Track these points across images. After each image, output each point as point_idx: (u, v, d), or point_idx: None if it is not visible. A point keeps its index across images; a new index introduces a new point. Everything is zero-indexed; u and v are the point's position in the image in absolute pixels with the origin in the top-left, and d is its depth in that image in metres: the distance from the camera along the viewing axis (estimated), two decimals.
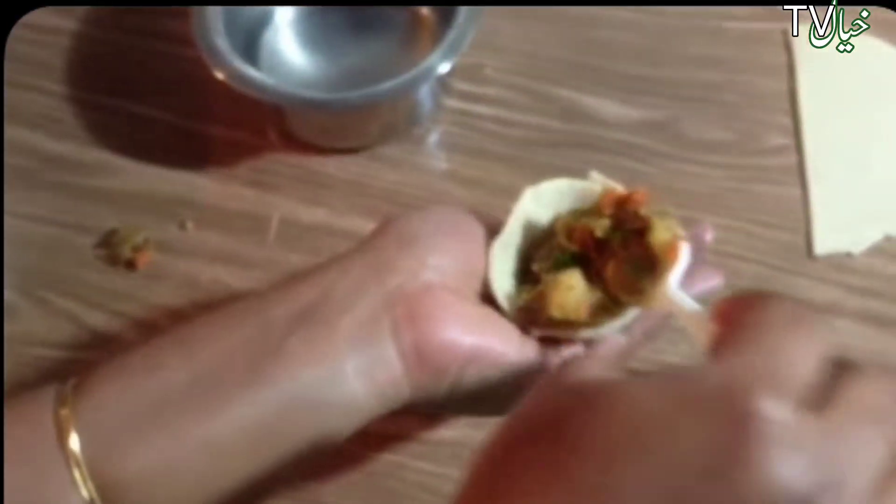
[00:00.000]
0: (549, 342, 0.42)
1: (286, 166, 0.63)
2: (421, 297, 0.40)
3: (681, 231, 0.41)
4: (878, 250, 0.58)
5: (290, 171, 0.62)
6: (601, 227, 0.42)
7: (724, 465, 0.25)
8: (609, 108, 0.64)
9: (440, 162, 0.64)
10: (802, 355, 0.28)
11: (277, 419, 0.38)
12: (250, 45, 0.65)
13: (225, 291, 0.58)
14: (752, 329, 0.28)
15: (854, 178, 0.61)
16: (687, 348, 0.51)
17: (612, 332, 0.41)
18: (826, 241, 0.58)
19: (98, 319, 0.58)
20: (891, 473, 0.26)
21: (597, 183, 0.44)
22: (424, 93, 0.63)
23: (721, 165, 0.62)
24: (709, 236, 0.45)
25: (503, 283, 0.43)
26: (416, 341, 0.39)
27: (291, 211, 0.61)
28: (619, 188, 0.43)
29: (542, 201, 0.45)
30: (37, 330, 0.57)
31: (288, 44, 0.66)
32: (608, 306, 0.42)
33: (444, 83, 0.64)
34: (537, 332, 0.42)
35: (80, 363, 0.56)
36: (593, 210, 0.43)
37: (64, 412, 0.37)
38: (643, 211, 0.41)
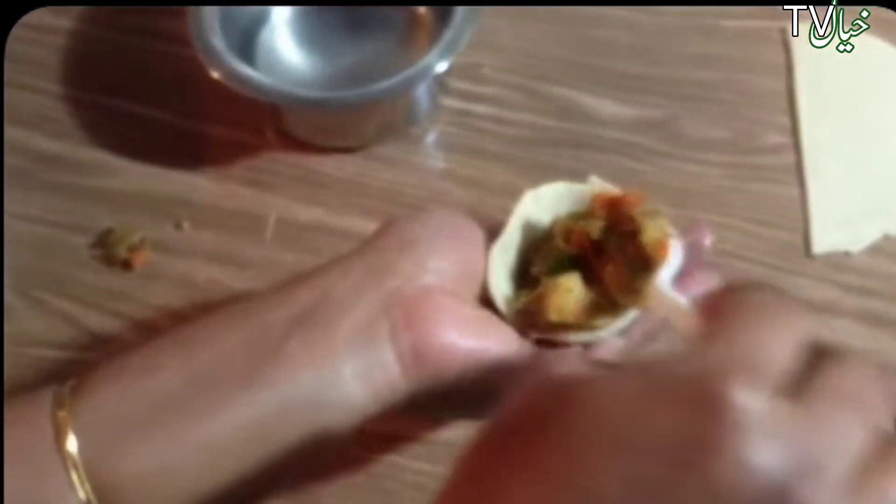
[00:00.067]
0: (547, 345, 0.42)
1: (283, 166, 0.63)
2: (419, 300, 0.40)
3: (671, 230, 0.41)
4: (876, 249, 0.58)
5: (288, 171, 0.62)
6: (597, 229, 0.42)
7: (696, 455, 0.25)
8: (607, 106, 0.64)
9: (438, 161, 0.63)
10: (778, 343, 0.27)
11: (276, 421, 0.38)
12: (247, 44, 0.64)
13: (222, 291, 0.58)
14: (727, 318, 0.28)
15: (852, 177, 0.61)
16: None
17: (611, 335, 0.41)
18: (824, 240, 0.58)
19: (94, 319, 0.57)
20: (871, 459, 0.26)
21: (595, 186, 0.44)
22: (422, 92, 0.63)
23: (719, 164, 0.62)
24: (707, 240, 0.45)
25: (502, 286, 0.43)
26: (413, 344, 0.39)
27: (288, 210, 0.61)
28: (617, 191, 0.43)
29: (542, 205, 0.45)
30: (32, 330, 0.57)
31: (285, 43, 0.66)
32: (606, 309, 0.42)
33: (441, 82, 0.64)
34: (536, 335, 0.42)
35: (76, 363, 0.56)
36: (590, 213, 0.43)
37: (62, 414, 0.37)
38: (634, 211, 0.41)
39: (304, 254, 0.59)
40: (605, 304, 0.42)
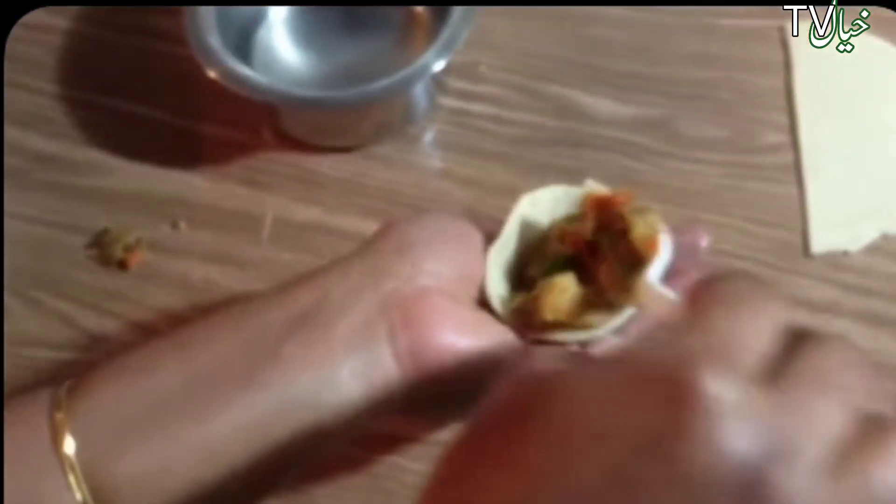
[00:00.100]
0: (544, 345, 0.42)
1: (280, 165, 0.62)
2: (417, 301, 0.40)
3: (660, 225, 0.41)
4: (874, 248, 0.58)
5: (285, 170, 0.62)
6: (590, 230, 0.43)
7: (669, 443, 0.25)
8: (604, 105, 0.64)
9: (435, 161, 0.63)
10: (754, 330, 0.27)
11: (274, 422, 0.38)
12: (244, 42, 0.64)
13: (218, 291, 0.58)
14: (702, 308, 0.28)
15: (851, 176, 0.60)
16: None
17: (607, 334, 0.42)
18: (822, 239, 0.58)
19: (90, 320, 0.57)
20: (851, 442, 0.25)
21: (591, 189, 0.44)
22: (419, 91, 0.62)
23: (717, 163, 0.61)
24: (704, 241, 0.45)
25: (499, 287, 0.44)
26: (411, 344, 0.39)
27: (285, 210, 0.61)
28: (608, 191, 0.44)
29: (538, 207, 0.45)
30: (28, 330, 0.57)
31: (282, 42, 0.66)
32: (602, 308, 0.42)
33: (439, 81, 0.64)
34: (532, 336, 0.42)
35: (72, 363, 0.56)
36: (584, 214, 0.44)
37: (59, 416, 0.37)
38: (624, 210, 0.42)
39: (301, 254, 0.59)
40: (600, 303, 0.42)
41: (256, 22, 0.66)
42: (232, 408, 0.38)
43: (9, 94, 0.65)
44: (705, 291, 0.29)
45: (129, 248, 0.59)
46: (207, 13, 0.60)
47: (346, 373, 0.38)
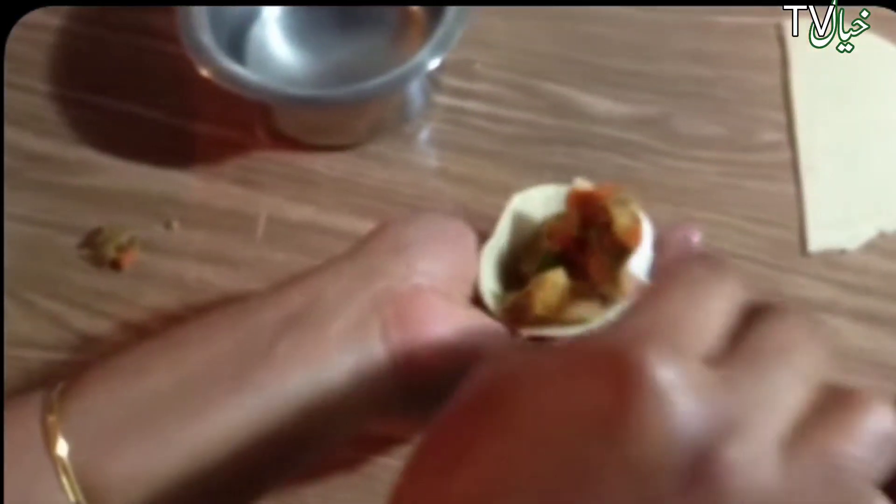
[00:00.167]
0: (537, 341, 0.42)
1: (274, 164, 0.62)
2: (410, 299, 0.40)
3: (640, 215, 0.42)
4: (872, 247, 0.58)
5: (278, 169, 0.62)
6: (575, 225, 0.43)
7: (616, 428, 0.24)
8: (600, 103, 0.64)
9: (431, 159, 0.63)
10: (705, 311, 0.27)
11: (267, 423, 0.38)
12: (237, 40, 0.64)
13: (212, 291, 0.58)
14: (658, 291, 0.28)
15: (848, 174, 0.60)
16: None
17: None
18: (820, 237, 0.58)
19: (82, 320, 0.57)
20: (808, 415, 0.25)
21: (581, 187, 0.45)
22: (414, 89, 0.62)
23: (713, 161, 0.61)
24: (696, 238, 0.45)
25: (492, 285, 0.44)
26: (404, 341, 0.39)
27: (279, 209, 0.60)
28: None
29: (530, 206, 0.46)
30: (20, 331, 0.57)
31: (276, 39, 0.65)
32: (595, 302, 0.42)
33: (434, 80, 0.63)
34: (525, 332, 0.42)
35: (65, 364, 0.55)
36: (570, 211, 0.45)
37: (51, 418, 0.37)
38: (606, 203, 0.42)
39: (295, 253, 0.58)
40: (593, 297, 0.42)
41: (250, 20, 0.65)
42: (225, 408, 0.37)
43: None
44: (663, 275, 0.28)
45: (121, 248, 0.58)
46: (200, 11, 0.60)
47: (339, 371, 0.38)
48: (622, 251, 0.41)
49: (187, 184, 0.61)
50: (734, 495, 0.24)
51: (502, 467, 0.26)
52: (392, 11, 0.66)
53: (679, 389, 0.24)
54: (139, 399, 0.38)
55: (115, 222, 0.60)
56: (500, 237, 0.45)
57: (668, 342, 0.25)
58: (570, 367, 0.26)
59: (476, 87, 0.64)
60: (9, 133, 0.63)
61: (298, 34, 0.66)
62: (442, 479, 0.27)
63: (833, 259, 0.58)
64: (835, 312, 0.56)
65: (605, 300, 0.42)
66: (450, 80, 0.64)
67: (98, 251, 0.59)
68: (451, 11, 0.59)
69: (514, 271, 0.45)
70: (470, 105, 0.64)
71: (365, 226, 0.44)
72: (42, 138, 0.63)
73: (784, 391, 0.25)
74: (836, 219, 0.59)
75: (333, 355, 0.38)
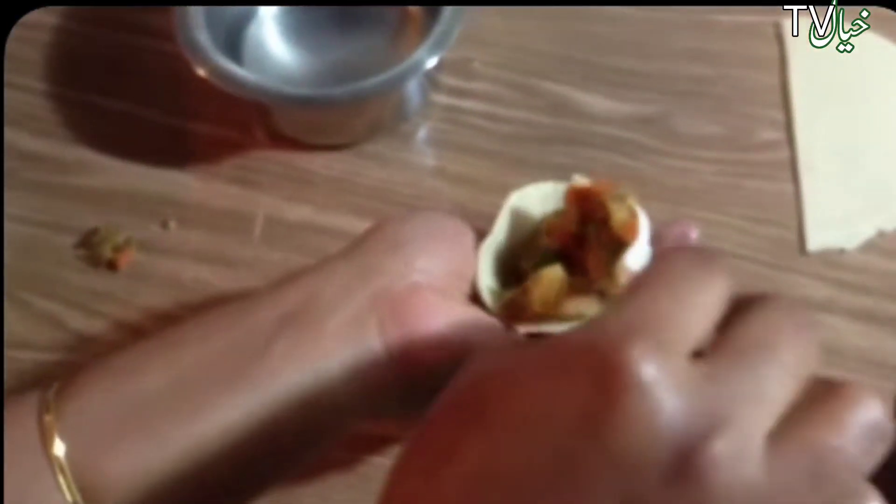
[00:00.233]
0: (535, 338, 0.42)
1: (271, 164, 0.62)
2: (407, 297, 0.40)
3: (637, 210, 0.42)
4: (871, 246, 0.58)
5: (276, 169, 0.62)
6: (573, 221, 0.43)
7: (599, 424, 0.24)
8: (598, 102, 0.63)
9: (428, 158, 0.63)
10: (691, 304, 0.26)
11: (264, 422, 0.38)
12: (234, 39, 0.64)
13: (209, 291, 0.57)
14: (643, 286, 0.27)
15: (847, 173, 0.60)
16: None
17: None
18: (819, 237, 0.58)
19: (79, 321, 0.57)
20: (794, 408, 0.25)
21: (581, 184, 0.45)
22: (412, 88, 0.62)
23: (712, 160, 0.61)
24: (693, 234, 0.45)
25: (490, 283, 0.44)
26: (402, 338, 0.39)
27: (277, 209, 0.60)
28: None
29: (528, 203, 0.46)
30: (16, 331, 0.56)
31: (273, 38, 0.65)
32: (592, 299, 0.42)
33: (431, 78, 0.63)
34: (523, 329, 0.42)
35: (61, 365, 0.55)
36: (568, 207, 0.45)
37: (48, 418, 0.37)
38: (604, 198, 0.42)
39: (292, 253, 0.58)
40: (591, 293, 0.42)
41: (247, 19, 0.65)
42: (222, 407, 0.37)
43: None
44: (648, 269, 0.28)
45: (118, 248, 0.58)
46: (197, 10, 0.59)
47: (337, 368, 0.38)
48: (619, 246, 0.41)
49: (184, 184, 0.61)
50: (719, 490, 0.23)
51: (487, 465, 0.26)
52: (390, 10, 0.65)
53: (663, 385, 0.24)
54: (136, 398, 0.38)
55: (112, 222, 0.59)
56: (498, 234, 0.45)
57: (652, 338, 0.25)
58: (555, 363, 0.26)
59: (474, 86, 0.64)
60: (4, 132, 0.63)
61: (296, 33, 0.65)
62: (429, 478, 0.27)
63: (832, 258, 0.58)
64: (833, 311, 0.56)
65: (604, 296, 0.42)
66: (448, 80, 0.64)
67: (94, 251, 0.58)
68: (449, 9, 0.59)
69: (513, 268, 0.45)
70: (468, 104, 0.64)
71: (363, 225, 0.44)
72: (38, 138, 0.63)
73: (770, 385, 0.25)
74: (835, 218, 0.59)
75: (331, 352, 0.38)
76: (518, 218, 0.46)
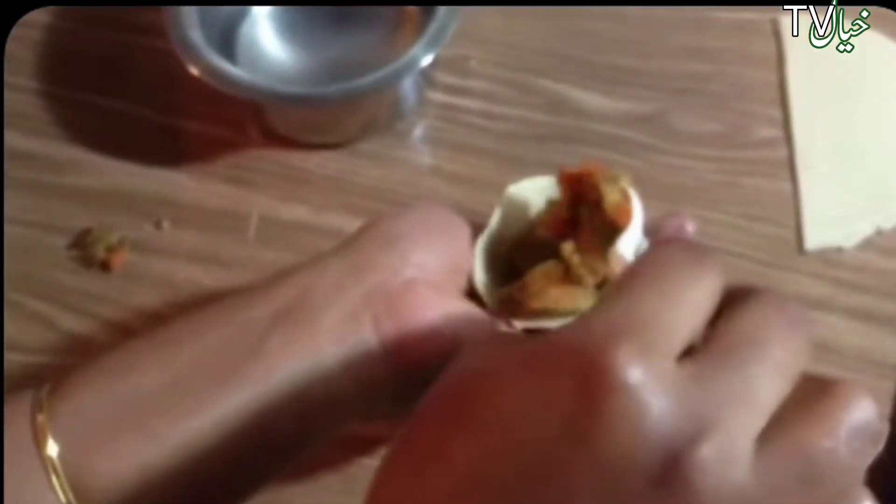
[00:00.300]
0: (532, 334, 0.41)
1: (266, 163, 0.61)
2: (402, 292, 0.40)
3: (630, 192, 0.42)
4: (869, 244, 0.58)
5: (270, 168, 0.61)
6: (565, 205, 0.43)
7: (584, 429, 0.24)
8: (595, 100, 0.63)
9: (424, 157, 0.62)
10: (680, 302, 0.25)
11: (258, 419, 0.37)
12: (228, 37, 0.63)
13: (203, 291, 0.57)
14: (630, 282, 0.26)
15: (845, 171, 0.60)
16: None
17: None
18: (817, 235, 0.58)
19: (72, 322, 0.56)
20: (784, 408, 0.24)
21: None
22: (408, 86, 0.61)
23: (709, 158, 0.61)
24: (690, 227, 0.45)
25: (486, 278, 0.44)
26: (397, 333, 0.39)
27: (271, 208, 0.60)
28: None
29: (524, 198, 0.46)
30: (9, 333, 0.56)
31: (267, 36, 0.65)
32: (588, 293, 0.42)
33: (427, 76, 0.63)
34: (520, 324, 0.42)
35: (54, 366, 0.55)
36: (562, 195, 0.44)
37: (41, 418, 0.36)
38: (596, 180, 0.42)
39: (287, 252, 0.58)
40: (587, 288, 0.42)
41: (241, 17, 0.65)
42: (216, 405, 0.37)
43: None
44: (638, 263, 0.27)
45: (111, 249, 0.58)
46: (190, 8, 0.59)
47: (332, 363, 0.38)
48: (612, 231, 0.41)
49: (178, 183, 0.61)
50: (706, 495, 0.23)
51: (473, 466, 0.25)
52: (385, 8, 0.65)
53: (648, 388, 0.24)
54: (129, 397, 0.37)
55: (105, 222, 0.59)
56: (494, 229, 0.45)
57: (637, 339, 0.24)
58: (541, 365, 0.26)
59: (470, 83, 0.64)
60: None
61: (290, 31, 0.65)
62: (415, 479, 0.26)
63: (830, 257, 0.57)
64: (831, 310, 0.56)
65: (600, 290, 0.42)
66: (443, 77, 0.64)
67: (87, 252, 0.58)
68: (444, 7, 0.58)
69: (509, 263, 0.45)
70: (464, 102, 0.63)
71: (357, 224, 0.43)
72: (30, 137, 0.62)
73: (759, 385, 0.24)
74: (833, 216, 0.59)
75: (325, 347, 0.38)
76: (514, 212, 0.46)
